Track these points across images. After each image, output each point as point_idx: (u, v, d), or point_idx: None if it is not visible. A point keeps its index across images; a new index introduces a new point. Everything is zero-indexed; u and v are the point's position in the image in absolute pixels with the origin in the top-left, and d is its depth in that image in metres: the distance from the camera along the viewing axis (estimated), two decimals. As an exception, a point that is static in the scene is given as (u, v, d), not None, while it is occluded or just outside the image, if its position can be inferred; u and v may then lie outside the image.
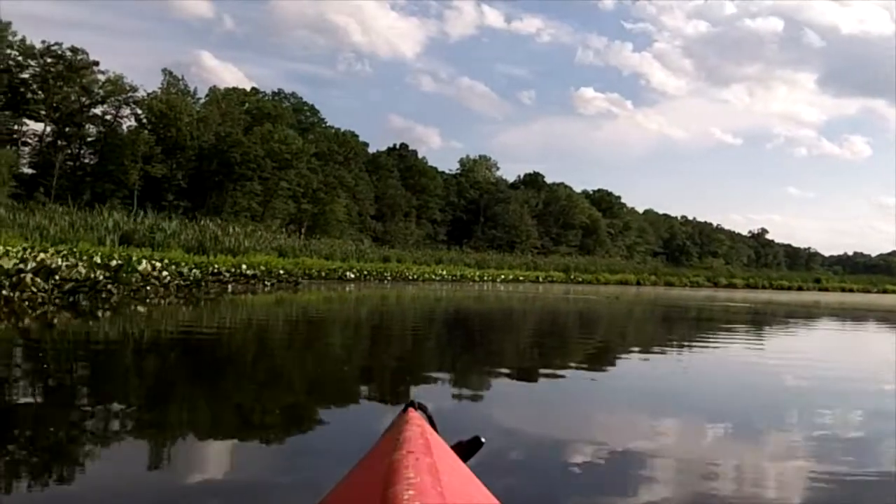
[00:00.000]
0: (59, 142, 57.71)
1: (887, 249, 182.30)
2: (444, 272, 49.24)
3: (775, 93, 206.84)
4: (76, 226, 21.78)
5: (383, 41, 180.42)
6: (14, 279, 10.70)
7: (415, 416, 1.85)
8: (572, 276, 65.01)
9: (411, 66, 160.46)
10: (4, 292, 10.73)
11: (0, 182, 44.78)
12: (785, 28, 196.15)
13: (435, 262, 55.64)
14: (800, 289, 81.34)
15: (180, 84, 63.28)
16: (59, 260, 12.21)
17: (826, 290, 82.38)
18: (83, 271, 12.04)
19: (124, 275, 14.01)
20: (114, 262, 14.74)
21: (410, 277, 43.32)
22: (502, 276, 55.43)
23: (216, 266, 22.27)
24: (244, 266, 24.56)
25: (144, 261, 17.16)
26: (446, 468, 1.40)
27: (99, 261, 13.40)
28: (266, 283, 24.23)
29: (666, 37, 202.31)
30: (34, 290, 11.13)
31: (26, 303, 10.96)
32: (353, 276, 36.12)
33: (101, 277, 12.34)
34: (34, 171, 55.93)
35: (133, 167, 55.24)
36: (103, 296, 12.84)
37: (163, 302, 13.88)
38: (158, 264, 16.80)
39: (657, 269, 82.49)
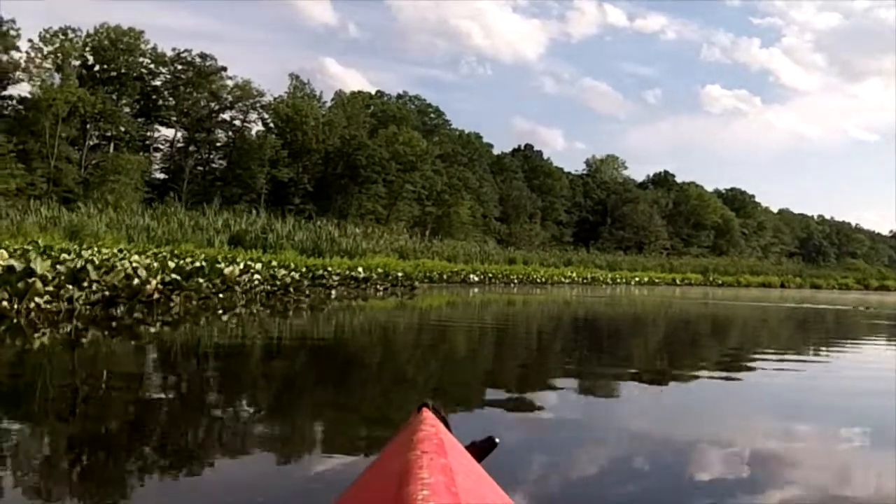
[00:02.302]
0: (190, 147, 59.15)
1: None
2: (574, 274, 47.52)
3: None
4: (185, 226, 21.58)
5: (505, 44, 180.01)
6: (21, 285, 8.79)
7: (429, 416, 1.84)
8: (711, 279, 62.25)
9: (534, 67, 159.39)
10: (4, 303, 8.76)
11: (132, 188, 46.08)
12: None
13: (563, 263, 53.94)
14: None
15: (306, 88, 64.07)
16: (124, 262, 11.18)
17: None
18: (139, 275, 10.55)
19: (199, 279, 12.58)
20: (191, 264, 13.50)
21: (538, 280, 41.56)
22: (636, 279, 53.35)
23: (327, 268, 21.53)
24: (360, 269, 23.84)
25: (255, 261, 16.73)
26: (461, 468, 1.39)
27: (172, 264, 12.36)
28: (379, 287, 23.33)
29: (795, 31, 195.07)
30: (50, 298, 9.28)
31: (32, 315, 8.82)
32: (476, 278, 34.76)
33: (151, 282, 10.62)
34: (166, 177, 57.63)
35: (260, 171, 56.18)
36: (161, 305, 11.29)
37: (243, 311, 12.53)
38: (258, 266, 16.05)
39: (801, 271, 78.60)
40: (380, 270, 25.35)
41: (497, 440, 1.98)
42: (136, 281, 10.50)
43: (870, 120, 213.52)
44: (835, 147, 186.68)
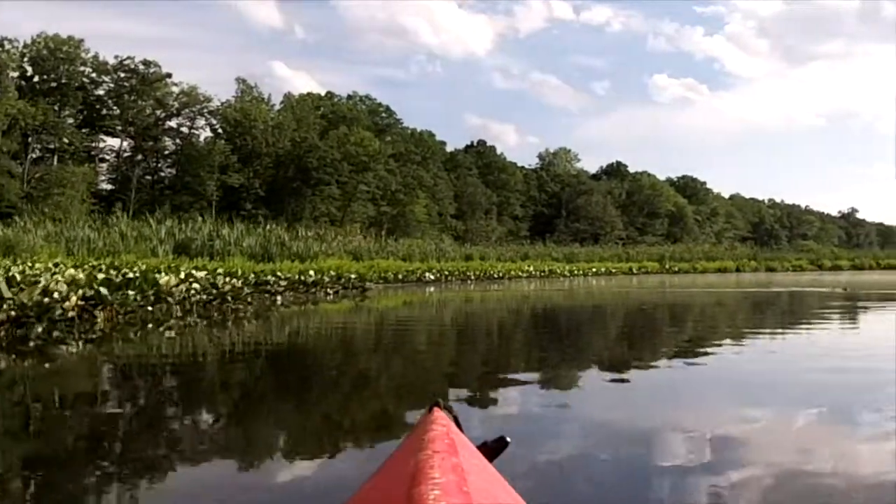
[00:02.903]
0: (137, 156, 58.15)
1: None
2: (531, 268, 47.32)
3: (857, 69, 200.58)
4: (127, 237, 21.03)
5: (454, 40, 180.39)
6: None
7: (440, 415, 1.84)
8: (667, 266, 62.60)
9: (483, 63, 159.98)
10: None
11: (78, 200, 45.14)
12: (862, 2, 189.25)
13: (520, 257, 53.79)
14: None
15: (254, 92, 63.21)
16: (54, 277, 10.39)
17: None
18: (58, 290, 9.74)
19: (129, 292, 11.80)
20: (122, 276, 12.61)
21: (495, 276, 41.39)
22: (593, 270, 53.41)
23: (277, 273, 21.06)
24: (311, 272, 23.42)
25: (200, 269, 16.18)
26: (472, 468, 1.41)
27: (102, 276, 11.74)
28: (329, 290, 22.90)
29: (738, 18, 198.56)
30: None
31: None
32: (432, 277, 34.43)
33: (72, 298, 9.81)
34: (112, 187, 56.53)
35: (210, 177, 55.42)
36: (85, 322, 10.50)
37: (176, 324, 11.68)
38: (201, 274, 15.48)
39: (755, 255, 79.36)
40: (332, 273, 24.95)
41: (508, 439, 2.00)
42: (52, 297, 9.80)
43: (816, 103, 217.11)
44: (782, 132, 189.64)
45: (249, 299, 17.24)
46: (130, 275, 12.66)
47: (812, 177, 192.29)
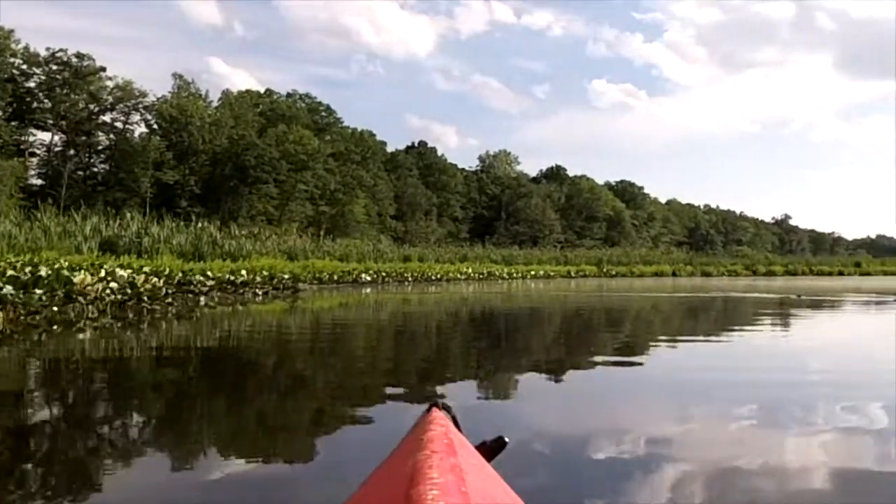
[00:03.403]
0: (69, 151, 56.73)
1: None
2: (470, 270, 47.09)
3: (791, 77, 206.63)
4: (51, 233, 20.39)
5: (395, 41, 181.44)
6: None
7: (439, 415, 1.84)
8: (605, 270, 63.09)
9: (424, 64, 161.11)
10: None
11: (6, 195, 43.87)
12: (796, 11, 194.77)
13: (459, 259, 53.62)
14: (840, 273, 79.01)
15: (191, 88, 62.30)
16: None
17: (868, 274, 79.83)
18: None
19: (36, 291, 11.22)
20: (29, 274, 11.78)
21: (433, 277, 41.01)
22: (532, 272, 53.53)
23: (207, 272, 20.59)
24: (243, 271, 22.97)
25: (124, 267, 15.66)
26: (471, 468, 1.40)
27: (10, 273, 11.12)
28: (258, 291, 22.50)
29: (677, 26, 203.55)
30: None
31: None
32: (368, 278, 33.87)
33: None
34: (43, 183, 55.07)
35: (144, 174, 54.37)
36: None
37: (87, 325, 10.86)
38: (125, 272, 14.79)
39: (691, 259, 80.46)
40: (265, 273, 24.49)
41: (507, 439, 2.00)
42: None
43: (752, 110, 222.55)
44: (719, 138, 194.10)
45: (170, 300, 16.62)
46: (42, 272, 12.07)
47: (747, 183, 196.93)
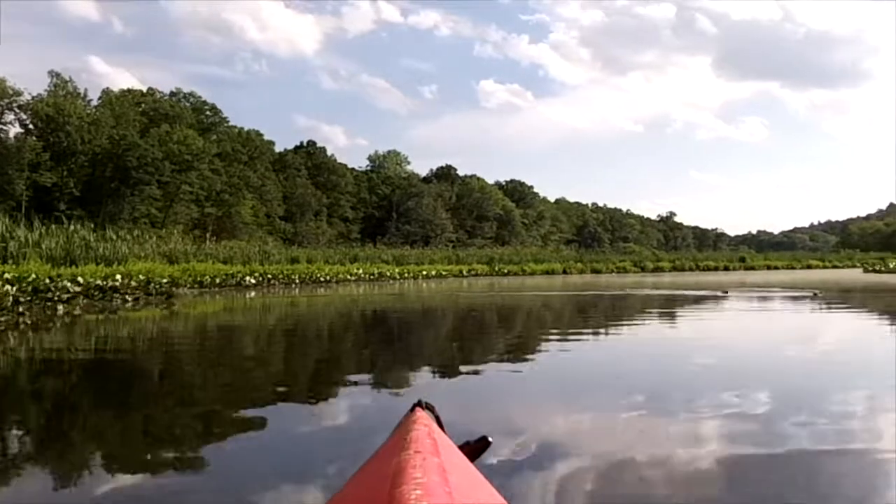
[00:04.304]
0: (-64, 152, 54.13)
1: (789, 226, 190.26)
2: (360, 271, 46.58)
3: (672, 78, 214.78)
4: None
5: (280, 39, 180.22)
6: None
7: (422, 415, 1.84)
8: (497, 268, 63.46)
9: (311, 63, 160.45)
10: None
11: None
12: (677, 14, 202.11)
13: (349, 260, 53.00)
14: (726, 269, 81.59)
15: (69, 86, 60.10)
16: None
17: (752, 268, 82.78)
18: None
19: None
20: None
21: (322, 279, 40.29)
22: (424, 272, 53.40)
23: (77, 278, 19.94)
24: (118, 276, 22.28)
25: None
26: (454, 468, 1.41)
27: None
28: (128, 297, 21.51)
29: (562, 28, 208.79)
30: None
31: None
32: (253, 281, 33.17)
33: None
34: None
35: (20, 176, 52.27)
36: None
37: None
38: None
39: (581, 257, 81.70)
40: (141, 277, 23.84)
41: (491, 439, 2.04)
42: None
43: (635, 111, 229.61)
44: (604, 137, 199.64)
45: (21, 309, 15.67)
46: None
47: (633, 181, 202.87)
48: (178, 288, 25.32)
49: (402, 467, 1.27)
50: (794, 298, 23.61)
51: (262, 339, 11.97)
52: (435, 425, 1.82)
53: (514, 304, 22.35)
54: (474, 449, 2.02)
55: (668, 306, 19.63)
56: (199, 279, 28.72)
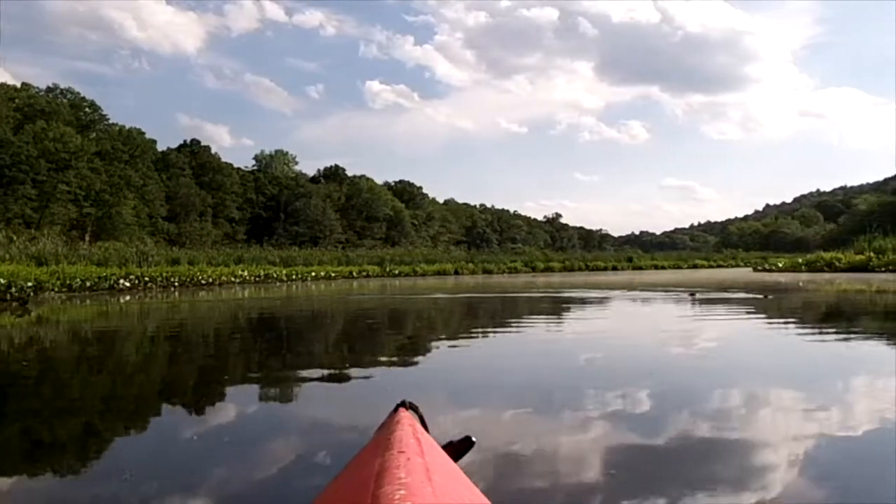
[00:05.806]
0: None
1: (670, 227, 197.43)
2: (246, 273, 45.32)
3: (555, 82, 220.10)
4: None
5: (162, 37, 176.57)
6: None
7: (406, 415, 1.85)
8: (388, 269, 63.14)
9: (194, 62, 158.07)
10: None
11: None
12: (560, 18, 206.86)
13: (234, 261, 51.71)
14: (615, 268, 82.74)
15: (-65, 80, 57.67)
16: None
17: (640, 268, 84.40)
18: None
19: None
20: None
21: (204, 282, 38.75)
22: (312, 274, 52.66)
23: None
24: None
25: None
26: (437, 468, 1.42)
27: None
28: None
29: (446, 29, 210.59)
30: None
31: None
32: (128, 284, 31.79)
33: None
34: None
35: None
36: None
37: None
38: None
39: (472, 257, 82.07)
40: (1, 281, 22.97)
41: (474, 439, 2.04)
42: None
43: (519, 113, 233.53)
44: (490, 139, 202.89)
45: None
46: None
47: (519, 183, 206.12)
48: (45, 292, 24.37)
49: (386, 467, 1.29)
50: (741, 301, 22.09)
51: (96, 359, 11.41)
52: (419, 425, 1.84)
53: (409, 308, 21.65)
54: (458, 449, 2.03)
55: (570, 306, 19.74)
56: (68, 282, 27.70)
